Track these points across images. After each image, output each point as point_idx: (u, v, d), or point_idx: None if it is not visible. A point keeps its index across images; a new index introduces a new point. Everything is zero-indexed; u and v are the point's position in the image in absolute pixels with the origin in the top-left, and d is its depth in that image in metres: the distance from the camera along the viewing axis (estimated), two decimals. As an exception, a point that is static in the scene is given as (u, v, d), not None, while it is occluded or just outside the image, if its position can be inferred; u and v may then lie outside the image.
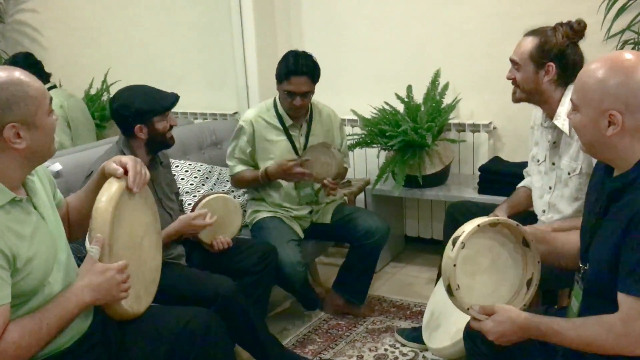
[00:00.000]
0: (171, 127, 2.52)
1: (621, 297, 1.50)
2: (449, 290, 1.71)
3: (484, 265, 1.77)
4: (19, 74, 1.62)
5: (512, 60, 2.40)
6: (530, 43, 2.34)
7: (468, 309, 1.71)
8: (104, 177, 1.83)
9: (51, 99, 1.68)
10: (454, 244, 1.70)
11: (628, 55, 1.55)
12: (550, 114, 2.38)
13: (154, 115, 2.46)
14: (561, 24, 2.34)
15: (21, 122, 1.58)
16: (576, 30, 2.32)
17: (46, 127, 1.64)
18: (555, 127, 2.37)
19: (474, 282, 1.75)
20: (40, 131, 1.62)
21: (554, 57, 2.31)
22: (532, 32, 2.37)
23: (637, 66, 1.52)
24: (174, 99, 2.52)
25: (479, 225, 1.71)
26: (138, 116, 2.44)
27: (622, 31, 3.17)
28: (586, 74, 1.59)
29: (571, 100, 1.64)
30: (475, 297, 1.74)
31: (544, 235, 1.84)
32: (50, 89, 3.79)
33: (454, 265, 1.69)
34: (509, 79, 2.43)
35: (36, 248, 1.63)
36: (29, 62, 3.85)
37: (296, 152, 3.06)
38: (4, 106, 1.56)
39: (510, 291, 1.79)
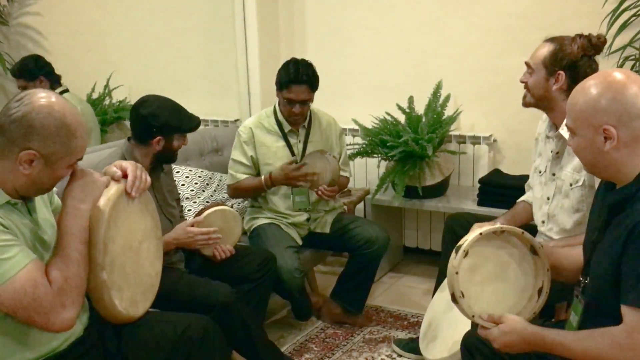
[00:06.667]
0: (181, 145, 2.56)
1: (624, 309, 1.51)
2: (453, 298, 1.71)
3: (491, 273, 1.77)
4: (78, 119, 1.65)
5: (527, 64, 2.42)
6: (546, 49, 2.36)
7: (473, 316, 1.71)
8: None
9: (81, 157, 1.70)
10: (456, 251, 1.71)
11: (617, 74, 1.58)
12: (556, 122, 2.39)
13: (176, 133, 2.49)
14: (580, 35, 2.35)
15: (42, 156, 1.61)
16: (594, 44, 2.33)
17: (56, 174, 1.67)
18: (560, 137, 2.38)
19: (482, 290, 1.75)
20: (50, 173, 1.65)
21: (565, 66, 2.32)
22: (551, 39, 2.38)
23: (627, 84, 1.55)
24: (197, 121, 2.57)
25: (481, 234, 1.72)
26: (163, 129, 2.45)
27: (624, 47, 3.18)
28: (576, 96, 1.61)
29: (566, 125, 1.66)
30: (485, 306, 1.73)
31: (547, 249, 1.84)
32: (62, 93, 3.78)
33: (457, 273, 1.69)
34: (522, 82, 2.44)
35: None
36: (39, 65, 3.86)
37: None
38: (42, 134, 1.59)
39: (521, 299, 1.79)
